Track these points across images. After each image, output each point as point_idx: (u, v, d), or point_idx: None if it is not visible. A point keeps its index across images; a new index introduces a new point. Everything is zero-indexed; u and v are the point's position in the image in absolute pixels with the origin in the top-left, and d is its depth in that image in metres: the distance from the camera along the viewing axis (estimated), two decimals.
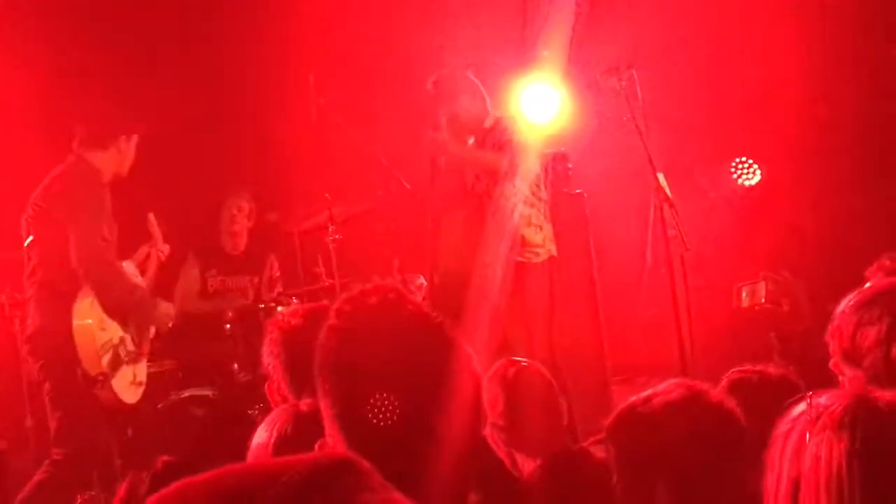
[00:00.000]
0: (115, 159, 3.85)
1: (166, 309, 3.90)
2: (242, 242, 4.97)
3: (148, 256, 4.06)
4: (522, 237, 3.93)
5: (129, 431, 4.12)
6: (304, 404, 1.61)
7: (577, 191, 4.72)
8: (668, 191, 3.47)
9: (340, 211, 4.59)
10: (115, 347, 3.67)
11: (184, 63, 5.35)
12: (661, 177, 3.51)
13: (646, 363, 4.43)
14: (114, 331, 3.68)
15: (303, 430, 1.51)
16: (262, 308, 4.27)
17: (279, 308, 4.20)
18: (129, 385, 3.74)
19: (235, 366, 4.20)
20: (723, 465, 1.49)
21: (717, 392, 1.66)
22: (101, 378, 3.59)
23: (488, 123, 4.01)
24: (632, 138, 3.77)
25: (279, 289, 4.62)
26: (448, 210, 4.09)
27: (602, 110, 4.76)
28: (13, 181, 4.15)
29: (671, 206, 3.46)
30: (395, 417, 0.99)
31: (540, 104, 4.26)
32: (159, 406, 4.10)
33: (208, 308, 4.69)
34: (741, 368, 2.06)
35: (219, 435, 3.98)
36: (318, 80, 4.42)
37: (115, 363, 3.65)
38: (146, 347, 3.85)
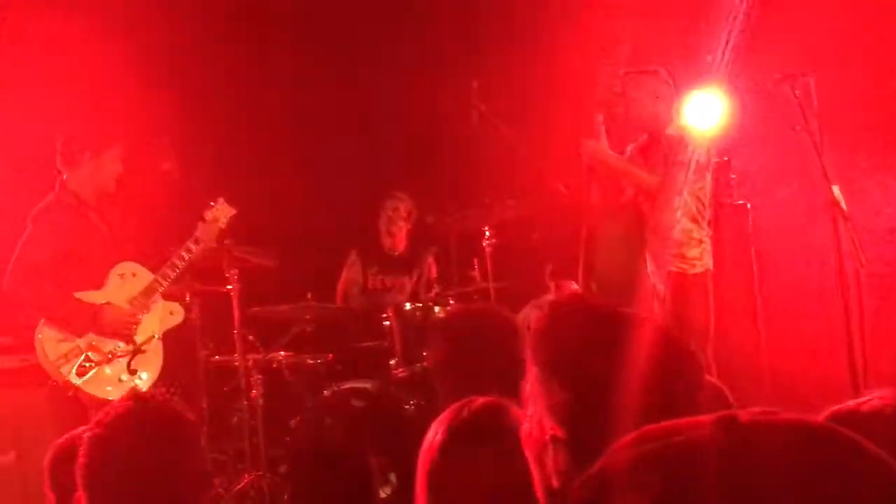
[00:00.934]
0: (89, 177, 3.89)
1: (115, 314, 3.84)
2: (402, 243, 5.16)
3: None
4: (681, 251, 3.87)
5: (293, 422, 4.36)
6: (480, 400, 1.67)
7: (740, 202, 4.59)
8: (843, 204, 3.33)
9: (497, 215, 4.67)
10: (84, 352, 3.75)
11: (350, 67, 5.59)
12: (836, 189, 3.37)
13: (810, 381, 4.25)
14: (82, 339, 3.77)
15: (480, 424, 1.58)
16: (419, 307, 4.39)
17: (436, 308, 4.32)
18: (117, 382, 3.79)
19: (393, 362, 4.35)
20: None
21: None
22: (67, 386, 3.72)
23: (671, 131, 3.96)
24: (800, 148, 3.63)
25: (436, 289, 4.75)
26: (606, 217, 4.08)
27: (770, 118, 4.59)
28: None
29: (847, 220, 3.31)
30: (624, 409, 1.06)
31: (705, 112, 4.17)
32: (322, 395, 4.30)
33: (368, 305, 4.90)
34: None
35: (376, 427, 4.14)
36: (481, 86, 4.52)
37: (84, 369, 3.74)
38: (145, 340, 3.88)
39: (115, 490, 1.51)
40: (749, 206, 4.53)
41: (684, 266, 3.89)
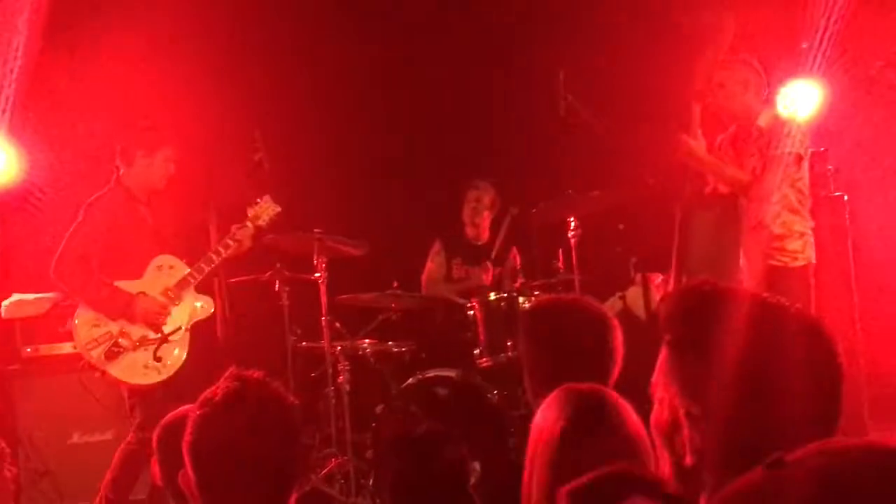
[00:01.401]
0: (141, 174, 4.13)
1: (146, 304, 4.02)
2: (485, 233, 5.17)
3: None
4: (782, 244, 3.76)
5: (379, 408, 4.43)
6: (582, 386, 1.69)
7: (837, 193, 4.43)
8: None
9: (582, 206, 4.62)
10: (115, 338, 3.96)
11: (436, 58, 5.61)
12: None
13: None
14: (114, 324, 3.99)
15: (592, 405, 1.60)
16: (504, 298, 4.39)
17: (521, 299, 4.32)
18: (141, 368, 3.97)
19: (477, 351, 4.36)
20: None
21: None
22: (95, 368, 3.95)
23: (763, 122, 3.85)
24: None
25: (521, 280, 4.74)
26: (699, 210, 3.99)
27: (870, 106, 4.42)
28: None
29: None
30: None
31: (801, 100, 4.04)
32: (407, 383, 4.36)
33: (452, 294, 4.93)
34: None
35: (460, 415, 4.17)
36: (568, 75, 4.47)
37: (112, 354, 3.95)
38: (173, 330, 4.04)
39: (221, 467, 1.56)
40: (846, 198, 4.37)
41: (785, 259, 3.77)
